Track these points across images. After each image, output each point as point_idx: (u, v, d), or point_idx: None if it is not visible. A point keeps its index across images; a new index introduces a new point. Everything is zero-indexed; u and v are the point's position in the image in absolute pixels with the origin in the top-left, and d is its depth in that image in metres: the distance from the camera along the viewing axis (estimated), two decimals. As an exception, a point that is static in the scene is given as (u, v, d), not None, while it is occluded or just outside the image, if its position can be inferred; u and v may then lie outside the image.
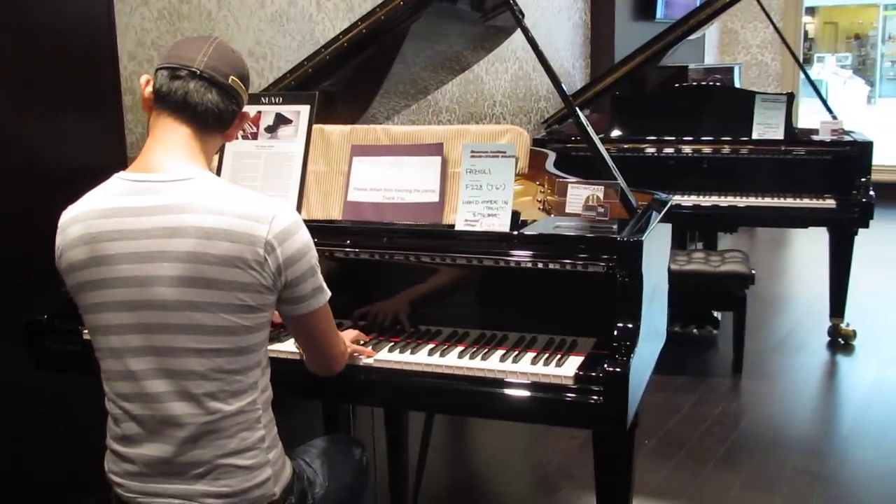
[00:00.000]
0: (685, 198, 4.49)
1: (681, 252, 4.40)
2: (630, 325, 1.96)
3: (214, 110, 1.67)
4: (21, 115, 2.64)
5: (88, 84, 2.82)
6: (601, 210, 2.18)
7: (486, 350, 2.07)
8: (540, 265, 2.09)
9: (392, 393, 2.08)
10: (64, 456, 2.76)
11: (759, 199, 4.43)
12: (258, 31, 3.74)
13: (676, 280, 4.02)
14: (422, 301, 2.20)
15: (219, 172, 2.41)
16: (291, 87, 2.70)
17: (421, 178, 2.28)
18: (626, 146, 4.74)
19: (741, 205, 4.43)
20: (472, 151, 2.22)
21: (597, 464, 2.18)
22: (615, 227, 2.15)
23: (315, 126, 2.38)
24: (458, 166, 2.24)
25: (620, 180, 2.42)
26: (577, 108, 2.53)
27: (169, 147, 1.65)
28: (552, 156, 3.50)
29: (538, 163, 3.48)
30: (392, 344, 2.13)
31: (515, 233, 2.14)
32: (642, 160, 4.70)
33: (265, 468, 1.66)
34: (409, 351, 2.08)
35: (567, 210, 2.22)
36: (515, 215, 2.18)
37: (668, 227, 2.53)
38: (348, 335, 2.05)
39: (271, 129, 2.41)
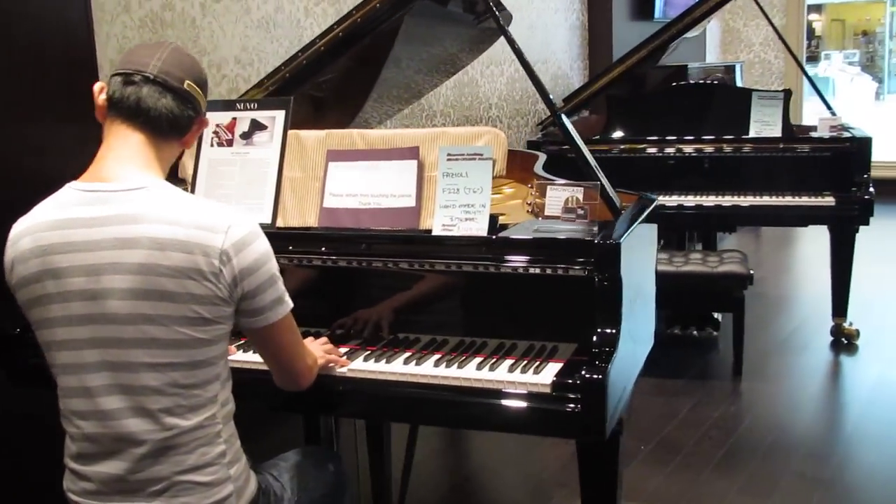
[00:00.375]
0: (681, 198, 4.44)
1: (678, 253, 4.34)
2: (609, 330, 1.91)
3: (169, 116, 1.62)
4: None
5: (67, 93, 2.78)
6: (581, 212, 2.12)
7: (465, 357, 2.02)
8: (518, 270, 2.04)
9: (367, 403, 2.03)
10: (28, 475, 2.68)
11: (757, 198, 4.36)
12: (244, 38, 3.70)
13: (674, 282, 3.98)
14: (399, 308, 2.15)
15: (194, 180, 2.37)
16: (271, 91, 2.65)
17: (397, 183, 2.23)
18: (621, 147, 4.68)
19: (742, 204, 4.36)
20: (449, 154, 2.17)
21: (581, 472, 2.12)
22: (595, 229, 2.10)
23: (291, 132, 2.33)
24: (435, 170, 2.19)
25: (604, 181, 2.37)
26: (558, 110, 2.46)
27: (122, 155, 1.60)
28: (542, 158, 3.45)
29: (529, 165, 3.44)
30: (369, 353, 2.09)
31: (493, 237, 2.09)
32: (636, 161, 4.65)
33: (226, 484, 1.61)
34: (385, 360, 2.03)
35: (546, 213, 2.16)
36: (493, 219, 2.13)
37: (654, 227, 2.48)
38: (319, 344, 2.00)
39: (246, 136, 2.37)
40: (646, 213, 2.32)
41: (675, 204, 4.43)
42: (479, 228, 2.11)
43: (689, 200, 4.44)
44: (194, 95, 1.67)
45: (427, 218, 2.18)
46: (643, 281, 2.31)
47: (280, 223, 2.29)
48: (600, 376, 1.81)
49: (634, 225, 2.13)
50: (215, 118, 2.39)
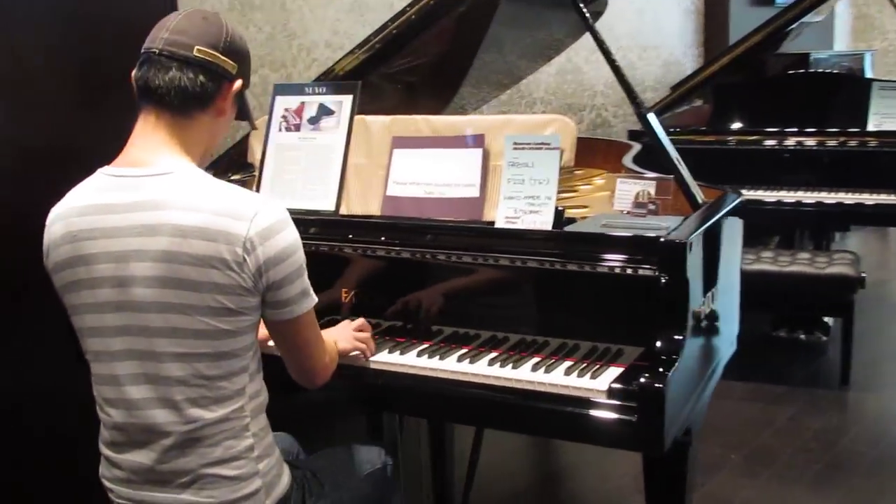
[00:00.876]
0: (788, 194, 4.18)
1: (785, 252, 4.09)
2: (673, 335, 1.77)
3: (177, 90, 1.54)
4: (78, 107, 2.62)
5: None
6: (652, 207, 1.99)
7: (522, 357, 1.92)
8: (581, 266, 1.92)
9: (415, 401, 1.95)
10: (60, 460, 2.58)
11: (872, 196, 4.07)
12: (335, 21, 3.67)
13: (778, 282, 3.77)
14: (458, 302, 2.06)
15: (262, 165, 2.34)
16: (362, 61, 2.59)
17: (462, 172, 2.14)
18: (727, 138, 4.45)
19: (848, 202, 4.08)
20: (515, 143, 2.07)
21: (646, 485, 2.00)
22: (666, 224, 1.96)
23: (357, 117, 2.27)
24: (501, 159, 2.09)
25: (685, 174, 2.22)
26: (643, 110, 2.30)
27: (148, 139, 1.56)
28: (635, 148, 3.30)
29: (623, 155, 3.28)
30: (424, 347, 2.01)
31: (557, 231, 1.98)
32: (740, 154, 4.40)
33: (254, 479, 1.56)
34: (439, 356, 1.94)
35: (615, 207, 2.03)
36: (559, 212, 2.01)
37: (737, 223, 2.30)
38: (353, 327, 1.94)
39: (314, 121, 2.32)
40: (725, 210, 2.16)
41: (779, 200, 4.18)
42: (544, 222, 2.00)
43: (795, 197, 4.18)
44: (210, 60, 1.56)
45: (491, 209, 2.09)
46: (722, 281, 2.15)
47: (343, 210, 2.23)
48: (660, 384, 1.68)
49: (709, 222, 1.98)
50: (284, 102, 2.36)
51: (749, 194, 4.23)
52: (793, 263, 3.90)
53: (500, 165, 2.10)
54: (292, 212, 2.25)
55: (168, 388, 1.51)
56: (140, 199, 1.50)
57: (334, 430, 2.61)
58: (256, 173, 2.36)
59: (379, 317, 2.10)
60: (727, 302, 2.21)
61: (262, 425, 1.61)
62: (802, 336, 4.35)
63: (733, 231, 2.28)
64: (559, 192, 2.88)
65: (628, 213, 2.01)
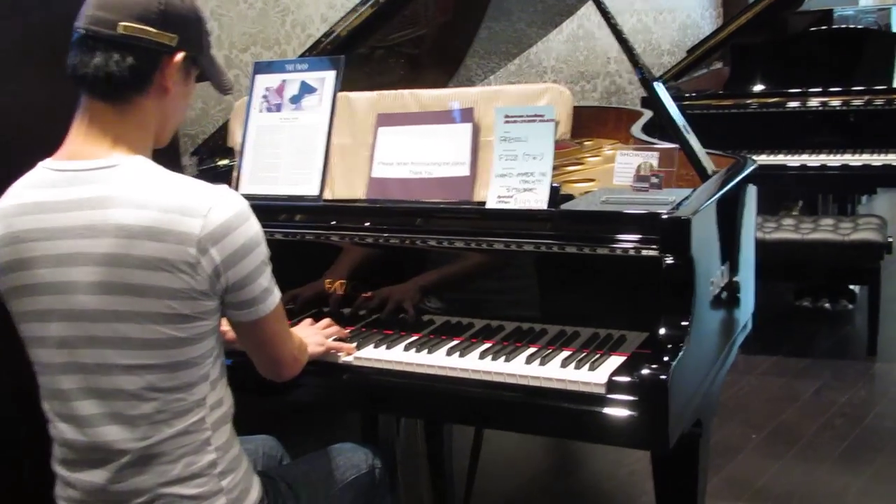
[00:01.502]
0: (812, 157, 4.00)
1: (807, 219, 3.92)
2: (678, 320, 1.63)
3: (106, 76, 1.38)
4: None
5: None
6: (655, 180, 1.84)
7: (517, 347, 1.79)
8: (579, 247, 1.78)
9: (402, 399, 1.82)
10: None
11: (898, 157, 3.88)
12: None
13: (801, 251, 3.60)
14: (449, 290, 1.93)
15: (242, 149, 2.21)
16: (341, 39, 2.44)
17: (450, 149, 2.00)
18: (746, 101, 4.26)
19: (875, 163, 3.89)
20: (507, 116, 1.92)
21: (655, 481, 1.87)
22: (672, 198, 1.81)
23: (340, 94, 2.13)
24: (492, 134, 1.95)
25: (693, 143, 2.07)
26: (649, 77, 2.14)
27: (88, 129, 1.42)
28: (645, 116, 3.15)
29: (630, 124, 3.14)
30: (413, 339, 1.88)
31: (552, 210, 1.84)
32: (761, 117, 4.21)
33: (217, 497, 1.44)
34: (427, 350, 1.81)
35: (615, 181, 1.89)
36: (555, 189, 1.87)
37: (752, 192, 2.15)
38: (320, 328, 1.83)
39: (296, 100, 2.19)
40: (738, 179, 2.01)
41: (803, 164, 4.00)
42: (538, 200, 1.86)
43: (819, 160, 4.00)
44: (137, 36, 1.38)
45: (482, 188, 1.95)
46: (734, 255, 2.01)
47: (328, 195, 2.10)
48: (663, 376, 1.54)
49: (718, 194, 1.83)
50: (264, 81, 2.23)
51: (771, 159, 4.06)
52: (816, 230, 3.73)
53: (490, 141, 1.96)
54: (275, 198, 2.17)
55: (120, 403, 1.39)
56: (82, 197, 1.37)
57: (325, 429, 2.48)
58: (238, 157, 2.23)
59: (366, 307, 1.98)
60: (741, 277, 2.07)
61: (225, 437, 1.48)
62: (827, 305, 4.17)
63: (747, 200, 2.13)
64: (565, 166, 2.78)
65: (632, 187, 1.86)
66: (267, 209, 2.13)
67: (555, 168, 2.73)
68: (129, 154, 1.41)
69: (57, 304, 1.38)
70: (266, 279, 1.45)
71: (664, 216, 1.65)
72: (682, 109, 4.26)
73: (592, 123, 3.48)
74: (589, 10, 4.89)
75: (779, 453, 2.95)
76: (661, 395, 1.54)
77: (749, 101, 4.27)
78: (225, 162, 2.53)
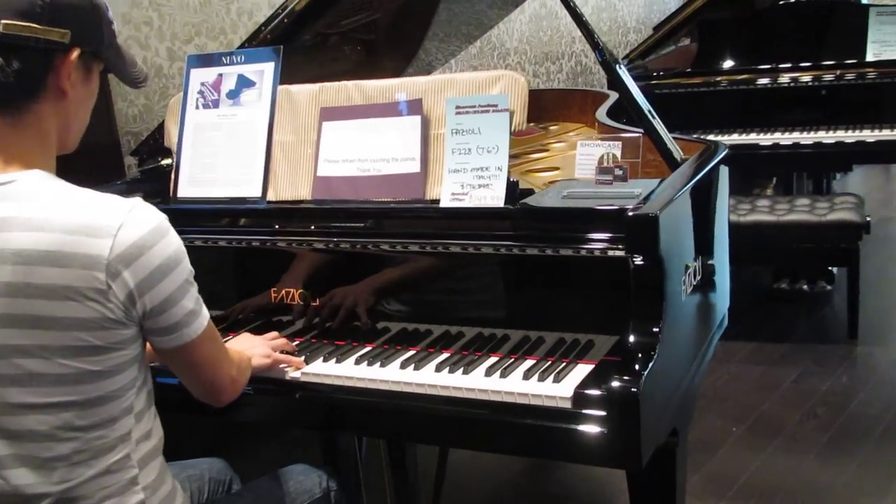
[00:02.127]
0: (784, 136, 3.88)
1: (783, 199, 3.80)
2: (649, 326, 1.50)
3: None
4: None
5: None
6: (619, 172, 1.70)
7: (477, 357, 1.65)
8: (541, 249, 1.64)
9: (354, 418, 1.68)
10: None
11: (874, 132, 3.76)
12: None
13: (776, 233, 3.49)
14: (404, 296, 1.78)
15: (178, 149, 2.05)
16: (267, 40, 2.27)
17: (399, 144, 1.85)
18: (715, 79, 4.13)
19: (849, 140, 3.78)
20: (458, 107, 1.78)
21: (630, 496, 1.74)
22: (637, 191, 1.67)
23: (281, 87, 1.98)
24: (443, 126, 1.80)
25: (660, 129, 1.94)
26: (609, 58, 1.99)
27: None
28: (611, 99, 3.02)
29: (592, 108, 3.01)
30: (365, 351, 1.74)
31: (509, 207, 1.70)
32: (731, 95, 4.09)
33: (147, 542, 1.30)
34: (380, 363, 1.67)
35: (576, 174, 1.75)
36: (512, 185, 1.73)
37: (724, 177, 2.02)
38: (266, 340, 1.70)
39: (233, 95, 2.03)
40: (709, 166, 1.88)
41: (775, 143, 3.88)
42: (495, 197, 1.72)
43: (791, 138, 3.88)
44: (22, 36, 1.21)
45: (435, 185, 1.80)
46: (709, 245, 1.88)
47: (272, 196, 1.95)
48: (633, 388, 1.41)
49: (688, 184, 1.70)
50: (199, 75, 2.07)
51: (743, 139, 3.94)
52: (791, 211, 3.61)
53: (441, 134, 1.81)
54: (215, 201, 2.02)
55: (31, 445, 1.24)
56: None
57: (281, 447, 2.33)
58: (174, 158, 2.08)
59: (316, 317, 1.83)
60: (716, 267, 1.94)
61: (154, 474, 1.33)
62: (805, 287, 4.07)
63: (720, 187, 2.00)
64: (528, 153, 2.64)
65: (595, 180, 1.73)
66: (207, 213, 2.01)
67: (517, 156, 2.63)
68: (26, 169, 1.25)
69: None
70: (191, 300, 1.29)
71: (630, 213, 1.51)
72: (649, 89, 4.18)
73: (557, 107, 3.35)
74: (552, -12, 4.77)
75: (761, 446, 2.83)
76: (632, 409, 1.40)
77: (718, 79, 4.14)
78: (168, 161, 2.37)
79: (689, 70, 4.24)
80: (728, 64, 4.21)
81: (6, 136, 1.25)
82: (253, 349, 1.62)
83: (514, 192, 1.72)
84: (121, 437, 1.28)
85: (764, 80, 4.06)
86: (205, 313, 1.33)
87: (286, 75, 2.00)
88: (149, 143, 2.45)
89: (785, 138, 3.90)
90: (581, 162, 1.73)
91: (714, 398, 3.15)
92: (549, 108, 3.37)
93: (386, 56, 3.06)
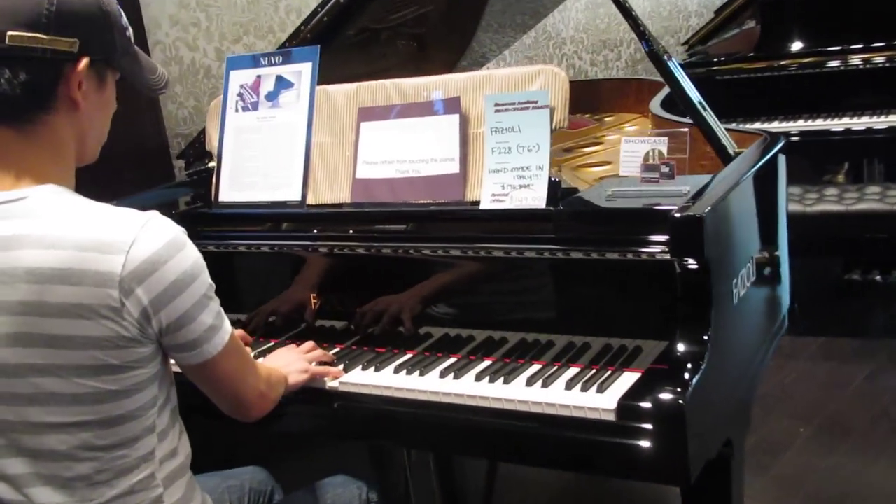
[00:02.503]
0: (857, 120, 3.71)
1: (852, 187, 3.64)
2: (697, 334, 1.41)
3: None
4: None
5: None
6: (665, 169, 1.62)
7: (520, 365, 1.59)
8: (586, 253, 1.57)
9: (393, 429, 1.63)
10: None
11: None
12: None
13: (844, 224, 3.34)
14: (445, 301, 1.73)
15: (219, 153, 2.03)
16: (308, 39, 2.22)
17: (438, 144, 1.80)
18: (779, 63, 3.96)
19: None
20: (497, 104, 1.72)
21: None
22: (686, 189, 1.59)
23: (318, 87, 1.94)
24: (482, 125, 1.74)
25: (712, 122, 1.85)
26: (657, 49, 1.89)
27: None
28: (667, 88, 2.91)
29: (649, 97, 2.91)
30: (405, 359, 1.69)
31: (551, 209, 1.63)
32: (797, 79, 3.92)
33: (174, 563, 1.27)
34: (419, 372, 1.62)
35: (621, 172, 1.67)
36: (554, 185, 1.66)
37: (782, 168, 1.92)
38: (302, 352, 1.66)
39: (272, 96, 2.00)
40: (765, 159, 1.78)
41: (847, 129, 3.71)
42: (536, 198, 1.66)
43: (862, 123, 3.70)
44: (29, 48, 1.18)
45: (475, 186, 1.74)
46: (767, 240, 1.78)
47: (311, 199, 1.91)
48: (680, 400, 1.33)
49: (740, 180, 1.61)
50: (238, 77, 2.04)
51: (810, 125, 3.78)
52: (861, 200, 3.45)
53: (481, 133, 1.75)
54: (256, 205, 1.99)
55: (52, 465, 1.22)
56: None
57: (327, 456, 2.27)
58: (216, 162, 2.05)
59: (357, 323, 1.79)
60: (775, 266, 1.84)
61: (181, 493, 1.31)
62: (878, 278, 3.89)
63: (778, 179, 1.90)
64: (581, 147, 2.57)
65: (640, 178, 1.65)
66: (247, 218, 1.98)
67: (570, 150, 2.55)
68: (40, 183, 1.22)
69: None
70: (210, 315, 1.26)
71: (674, 214, 1.42)
72: (710, 75, 4.03)
73: (614, 97, 3.26)
74: (609, -26, 4.65)
75: (830, 448, 2.71)
76: (678, 422, 1.33)
77: (783, 63, 3.97)
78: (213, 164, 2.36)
79: (751, 54, 4.08)
80: (793, 46, 4.04)
81: (19, 150, 1.22)
82: (289, 366, 1.58)
83: (556, 192, 1.66)
84: (143, 457, 1.25)
85: (834, 63, 3.88)
86: (226, 328, 1.30)
87: (335, 72, 1.96)
88: (195, 146, 2.44)
89: (857, 123, 3.73)
90: (626, 159, 1.65)
91: (781, 397, 3.03)
92: (605, 99, 3.28)
93: (438, 49, 3.01)
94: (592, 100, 3.30)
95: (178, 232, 1.22)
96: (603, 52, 4.72)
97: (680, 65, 4.10)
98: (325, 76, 1.96)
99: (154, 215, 1.21)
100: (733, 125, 3.92)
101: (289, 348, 1.72)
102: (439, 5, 2.82)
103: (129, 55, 1.32)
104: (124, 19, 1.30)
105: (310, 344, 1.73)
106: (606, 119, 3.10)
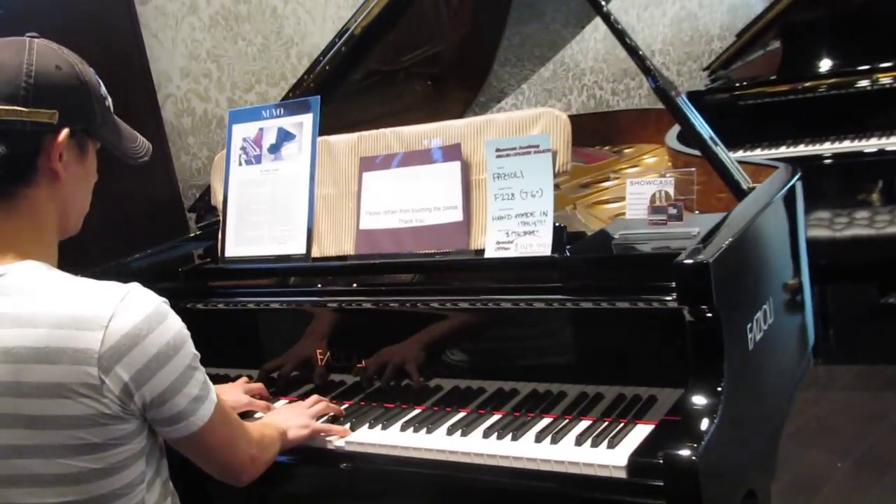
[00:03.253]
0: (881, 141, 3.61)
1: (883, 209, 3.54)
2: (709, 385, 1.35)
3: None
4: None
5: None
6: (673, 211, 1.56)
7: (530, 418, 1.54)
8: (595, 303, 1.52)
9: (402, 492, 1.59)
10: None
11: None
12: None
13: (875, 248, 3.25)
14: (454, 353, 1.68)
15: (224, 208, 2.00)
16: (311, 88, 2.20)
17: (440, 192, 1.76)
18: (803, 85, 3.88)
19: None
20: (498, 150, 1.68)
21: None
22: (695, 231, 1.54)
23: (319, 138, 1.92)
24: (484, 171, 1.70)
25: (724, 158, 1.79)
26: (659, 82, 1.85)
27: None
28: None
29: (669, 127, 2.85)
30: (413, 415, 1.64)
31: (556, 256, 1.58)
32: (821, 101, 3.83)
33: None
34: (426, 429, 1.57)
35: (628, 215, 1.62)
36: (559, 231, 1.61)
37: (797, 198, 1.85)
38: (305, 407, 1.62)
39: (275, 149, 1.98)
40: (779, 194, 1.72)
41: (881, 149, 3.61)
42: (541, 244, 1.61)
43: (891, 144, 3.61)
44: (7, 120, 1.16)
45: (479, 234, 1.70)
46: (783, 278, 1.72)
47: (316, 252, 1.88)
48: (692, 456, 1.27)
49: (751, 219, 1.54)
50: (241, 131, 2.03)
51: (840, 147, 3.68)
52: (893, 223, 3.35)
53: (483, 179, 1.71)
54: (261, 259, 1.96)
55: None
56: None
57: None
58: (220, 217, 2.03)
59: (364, 377, 1.75)
60: (795, 305, 1.77)
61: None
62: (917, 301, 3.78)
63: (795, 210, 1.83)
64: (598, 182, 2.51)
65: (648, 221, 1.59)
66: (253, 273, 1.95)
67: (587, 185, 2.50)
68: (20, 259, 1.20)
69: None
70: (195, 386, 1.22)
71: (681, 261, 1.36)
72: (732, 100, 3.96)
73: (633, 128, 3.21)
74: (626, 1, 4.60)
75: (869, 484, 2.61)
76: (691, 479, 1.27)
77: (808, 84, 3.89)
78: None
79: (774, 77, 4.00)
80: (817, 67, 3.96)
81: (1, 224, 1.20)
82: (288, 421, 1.55)
83: (562, 237, 1.61)
84: None
85: (864, 83, 3.79)
86: (212, 398, 1.26)
87: (351, 115, 1.92)
88: (205, 199, 2.42)
89: (889, 143, 3.62)
90: (632, 202, 1.60)
91: (817, 430, 2.93)
92: (623, 130, 3.23)
93: (454, 87, 2.99)
94: (610, 131, 3.25)
95: (158, 303, 1.19)
96: (624, 80, 4.67)
97: (701, 91, 4.03)
98: (341, 120, 1.93)
99: (133, 288, 1.18)
100: (757, 151, 3.87)
101: (292, 404, 1.69)
102: (452, 44, 2.80)
103: (108, 124, 1.30)
104: (103, 89, 1.29)
105: (314, 398, 1.69)
106: (626, 151, 3.05)
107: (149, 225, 2.60)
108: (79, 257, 1.25)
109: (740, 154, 3.78)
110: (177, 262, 2.11)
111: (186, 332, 1.21)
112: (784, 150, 3.73)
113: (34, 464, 1.15)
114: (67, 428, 1.14)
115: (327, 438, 1.60)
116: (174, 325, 1.19)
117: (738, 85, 4.03)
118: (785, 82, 3.96)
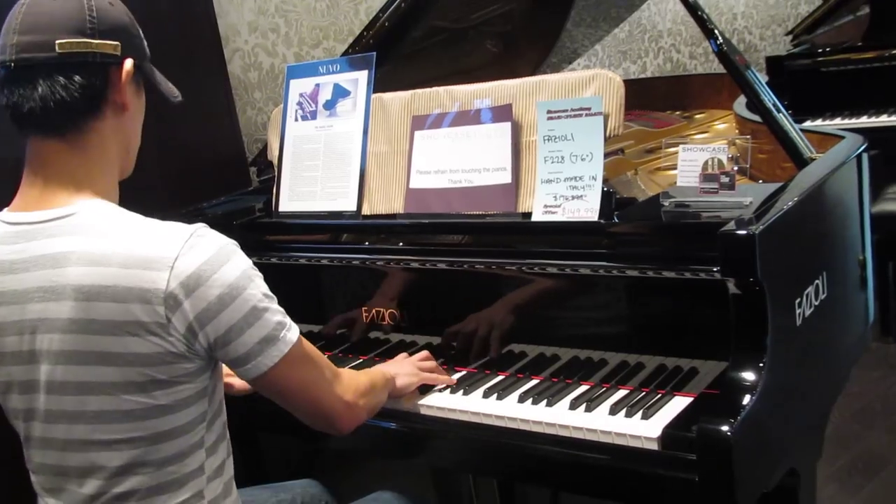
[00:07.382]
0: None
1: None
2: (750, 359, 1.31)
3: (57, 105, 1.20)
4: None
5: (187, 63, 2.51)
6: (725, 179, 1.51)
7: (567, 385, 1.52)
8: (642, 271, 1.49)
9: (434, 450, 1.59)
10: None
11: None
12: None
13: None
14: (495, 317, 1.67)
15: (279, 163, 2.02)
16: (370, 45, 2.18)
17: (490, 153, 1.73)
18: (889, 52, 3.71)
19: None
20: (549, 112, 1.64)
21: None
22: (747, 201, 1.49)
23: (374, 95, 1.91)
24: (535, 133, 1.67)
25: (786, 124, 1.73)
26: (717, 34, 1.79)
27: (40, 173, 1.24)
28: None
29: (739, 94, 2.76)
30: (456, 376, 1.64)
31: (603, 221, 1.55)
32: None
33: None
34: (462, 391, 1.57)
35: (679, 182, 1.58)
36: (608, 195, 1.57)
37: (864, 170, 1.77)
38: (413, 361, 1.63)
39: (330, 105, 1.98)
40: (840, 162, 1.65)
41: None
42: (589, 209, 1.58)
43: None
44: (81, 52, 1.20)
45: (527, 196, 1.68)
46: (841, 262, 1.66)
47: (366, 209, 1.88)
48: (726, 430, 1.24)
49: (807, 191, 1.49)
50: (298, 86, 2.03)
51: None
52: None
53: (533, 141, 1.68)
54: (314, 215, 1.97)
55: (101, 482, 1.22)
56: (38, 254, 1.19)
57: (387, 471, 2.23)
58: (276, 172, 2.05)
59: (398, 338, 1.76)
60: (851, 280, 1.71)
61: None
62: None
63: (860, 182, 1.75)
64: (658, 151, 2.45)
65: (699, 189, 1.55)
66: (305, 228, 1.97)
67: (653, 151, 2.45)
68: (90, 198, 1.22)
69: (24, 375, 1.22)
70: (264, 327, 1.21)
71: (725, 231, 1.32)
72: (815, 67, 3.81)
73: (706, 93, 3.12)
74: (708, -38, 4.44)
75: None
76: (724, 454, 1.24)
77: (894, 52, 3.72)
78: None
79: (860, 44, 3.84)
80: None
81: (70, 163, 1.23)
82: (398, 369, 1.57)
83: (611, 203, 1.57)
84: (193, 472, 1.25)
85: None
86: (288, 338, 1.24)
87: (420, 73, 1.91)
88: (265, 154, 2.45)
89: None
90: (683, 168, 1.55)
91: (882, 410, 2.84)
92: (696, 95, 3.14)
93: (525, 47, 2.94)
94: (682, 96, 3.16)
95: (223, 244, 1.20)
96: (703, 44, 4.53)
97: (782, 56, 3.86)
98: (409, 77, 1.90)
99: (199, 228, 1.20)
100: (837, 120, 3.73)
101: (401, 356, 1.69)
102: (524, 1, 2.75)
103: (149, 63, 1.33)
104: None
105: (424, 353, 1.69)
106: (697, 116, 2.97)
107: (213, 177, 2.63)
108: (143, 206, 1.27)
109: (818, 123, 3.65)
110: (235, 216, 2.14)
111: (254, 273, 1.22)
112: (865, 120, 3.59)
113: (101, 400, 1.18)
114: (135, 365, 1.17)
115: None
116: (239, 265, 1.20)
117: (820, 51, 3.88)
118: (870, 49, 3.79)
